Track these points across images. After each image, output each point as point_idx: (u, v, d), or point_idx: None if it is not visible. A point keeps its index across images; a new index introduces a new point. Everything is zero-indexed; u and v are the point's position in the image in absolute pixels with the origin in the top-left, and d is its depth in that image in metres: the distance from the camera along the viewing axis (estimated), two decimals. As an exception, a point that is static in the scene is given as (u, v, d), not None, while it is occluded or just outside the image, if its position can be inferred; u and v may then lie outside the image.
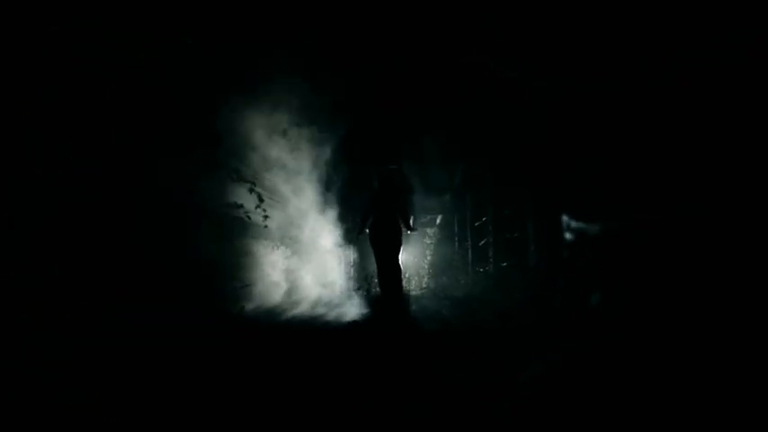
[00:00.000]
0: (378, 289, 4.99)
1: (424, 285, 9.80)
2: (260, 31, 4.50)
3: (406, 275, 10.94)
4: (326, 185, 6.37)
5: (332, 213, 6.54)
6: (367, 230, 4.94)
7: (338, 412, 1.50)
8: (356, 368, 2.16)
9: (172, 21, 3.49)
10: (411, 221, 4.87)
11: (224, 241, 4.47)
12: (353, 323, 4.08)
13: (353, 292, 6.51)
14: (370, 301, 5.57)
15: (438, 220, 15.22)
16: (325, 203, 6.34)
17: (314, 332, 3.52)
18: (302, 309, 5.02)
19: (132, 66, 3.24)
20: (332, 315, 4.66)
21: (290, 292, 5.69)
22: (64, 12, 2.87)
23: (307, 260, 6.37)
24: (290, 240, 5.84)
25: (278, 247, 5.55)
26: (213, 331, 3.24)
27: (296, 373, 2.05)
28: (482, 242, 9.86)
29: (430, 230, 13.55)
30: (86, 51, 2.98)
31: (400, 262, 4.91)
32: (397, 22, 4.98)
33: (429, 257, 12.63)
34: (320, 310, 4.95)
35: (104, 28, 3.03)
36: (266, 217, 4.98)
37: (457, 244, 13.74)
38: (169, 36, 3.45)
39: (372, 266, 5.08)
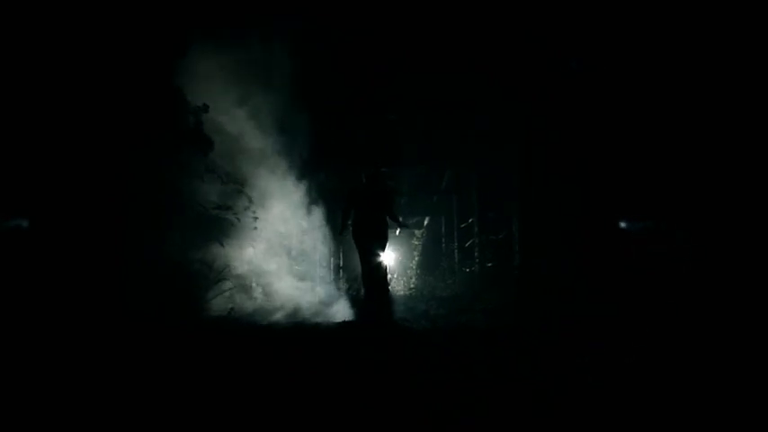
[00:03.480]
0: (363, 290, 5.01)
1: (411, 285, 9.89)
2: (256, 27, 4.51)
3: (394, 275, 10.99)
4: (314, 186, 6.41)
5: (319, 214, 6.58)
6: (351, 227, 4.87)
7: (337, 417, 1.52)
8: (352, 373, 2.16)
9: (168, 20, 3.50)
10: (399, 219, 4.88)
11: (214, 244, 4.48)
12: (344, 324, 4.12)
13: (342, 294, 6.56)
14: (358, 302, 5.63)
15: (425, 222, 15.35)
16: (312, 205, 6.37)
17: (305, 334, 3.50)
18: (291, 311, 5.04)
19: (127, 65, 3.25)
20: (321, 317, 4.69)
21: (277, 294, 5.71)
22: (60, 11, 2.88)
23: (294, 261, 6.40)
24: (276, 242, 5.86)
25: (264, 249, 5.57)
26: (206, 333, 3.25)
27: (290, 379, 2.03)
28: (468, 243, 10.01)
29: (417, 232, 13.65)
30: (81, 51, 3.00)
31: (385, 261, 4.90)
32: (393, 22, 4.99)
33: (416, 258, 12.74)
34: (310, 312, 4.98)
35: (101, 27, 3.05)
36: (256, 218, 5.00)
37: (444, 245, 13.89)
38: (163, 35, 3.47)
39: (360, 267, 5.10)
